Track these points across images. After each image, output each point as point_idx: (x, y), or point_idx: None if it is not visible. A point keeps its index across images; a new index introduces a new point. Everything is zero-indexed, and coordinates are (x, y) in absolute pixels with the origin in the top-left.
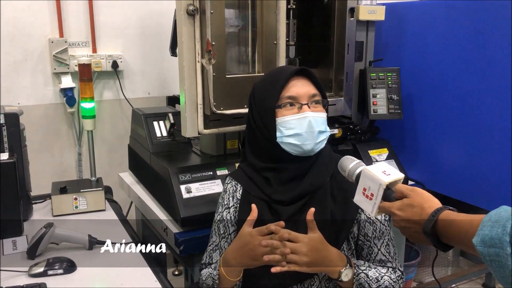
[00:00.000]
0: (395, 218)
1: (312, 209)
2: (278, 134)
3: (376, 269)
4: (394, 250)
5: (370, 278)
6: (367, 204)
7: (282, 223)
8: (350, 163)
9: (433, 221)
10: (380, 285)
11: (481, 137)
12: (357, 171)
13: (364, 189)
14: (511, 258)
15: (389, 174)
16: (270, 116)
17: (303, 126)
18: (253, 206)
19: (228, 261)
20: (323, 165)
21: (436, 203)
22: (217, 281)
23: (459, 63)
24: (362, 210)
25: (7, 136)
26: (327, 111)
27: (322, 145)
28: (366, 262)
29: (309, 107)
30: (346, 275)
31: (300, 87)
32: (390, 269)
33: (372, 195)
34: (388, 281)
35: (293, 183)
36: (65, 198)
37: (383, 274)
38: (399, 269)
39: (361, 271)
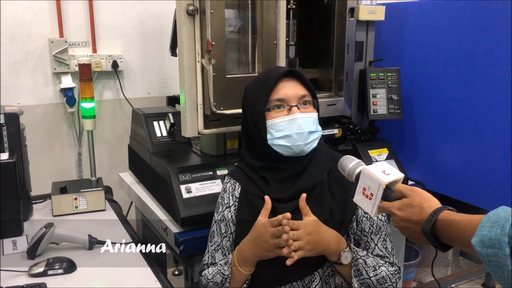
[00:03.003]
0: (395, 218)
1: (304, 195)
2: (268, 136)
3: (374, 259)
4: (391, 245)
5: (368, 265)
6: (367, 203)
7: (288, 215)
8: (350, 163)
9: (432, 221)
10: (376, 274)
11: (481, 137)
12: (357, 170)
13: (364, 189)
14: (509, 259)
15: (389, 174)
16: (260, 119)
17: (292, 127)
18: (267, 197)
19: (243, 251)
20: (320, 162)
21: (435, 203)
22: (227, 276)
23: (459, 63)
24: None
25: (7, 136)
26: (318, 111)
27: (314, 145)
28: (364, 251)
29: (298, 108)
30: (345, 258)
31: (289, 89)
32: (388, 263)
33: (371, 194)
34: (385, 272)
35: (290, 181)
36: (65, 198)
37: (380, 265)
38: (396, 264)
39: (359, 256)
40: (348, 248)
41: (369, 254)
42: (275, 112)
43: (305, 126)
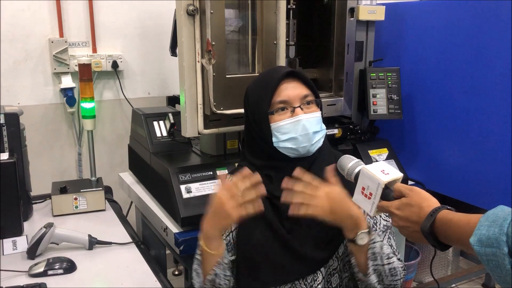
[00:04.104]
0: (394, 217)
1: (332, 165)
2: (274, 139)
3: (388, 247)
4: (395, 244)
5: (384, 252)
6: (366, 203)
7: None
8: (349, 162)
9: (431, 220)
10: (390, 263)
11: (481, 137)
12: (356, 170)
13: (363, 188)
14: (507, 258)
15: (388, 173)
16: (264, 122)
17: (297, 129)
18: (245, 168)
19: (204, 229)
20: (324, 161)
21: (434, 203)
22: (200, 260)
23: (459, 63)
24: None
25: (7, 136)
26: (321, 109)
27: (319, 144)
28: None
29: (301, 109)
30: (361, 238)
31: (291, 90)
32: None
33: (371, 194)
34: (397, 264)
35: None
36: (65, 198)
37: (393, 256)
38: (401, 261)
39: (378, 241)
40: (368, 231)
41: (386, 243)
42: (279, 115)
43: (309, 127)
